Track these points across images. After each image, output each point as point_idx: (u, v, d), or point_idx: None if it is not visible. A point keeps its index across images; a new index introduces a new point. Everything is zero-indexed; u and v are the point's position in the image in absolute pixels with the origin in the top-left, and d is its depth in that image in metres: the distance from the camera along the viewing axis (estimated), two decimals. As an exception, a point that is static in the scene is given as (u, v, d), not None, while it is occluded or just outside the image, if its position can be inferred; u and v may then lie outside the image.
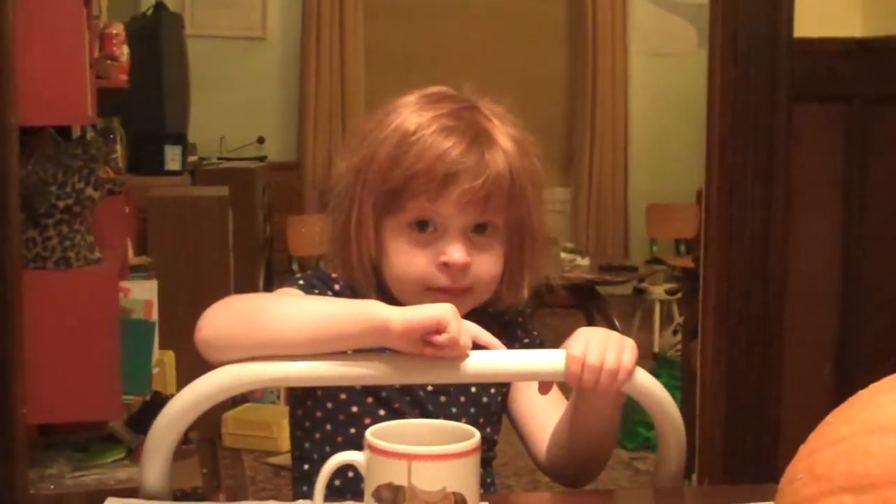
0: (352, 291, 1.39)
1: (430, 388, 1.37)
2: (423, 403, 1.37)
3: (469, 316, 1.26)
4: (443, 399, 1.38)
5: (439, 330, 1.15)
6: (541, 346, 1.43)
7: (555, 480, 1.39)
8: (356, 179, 1.35)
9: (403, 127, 1.33)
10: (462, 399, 1.39)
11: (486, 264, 1.34)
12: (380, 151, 1.33)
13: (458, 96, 1.38)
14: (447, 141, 1.31)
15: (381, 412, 1.35)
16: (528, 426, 1.42)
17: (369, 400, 1.35)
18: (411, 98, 1.37)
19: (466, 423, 1.29)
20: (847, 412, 0.90)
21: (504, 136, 1.35)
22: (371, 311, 1.17)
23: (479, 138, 1.33)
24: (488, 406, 1.41)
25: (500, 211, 1.34)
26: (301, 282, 1.39)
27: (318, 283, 1.39)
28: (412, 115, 1.34)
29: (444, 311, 1.16)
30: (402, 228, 1.33)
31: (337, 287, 1.40)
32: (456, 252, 1.31)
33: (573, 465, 1.36)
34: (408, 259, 1.33)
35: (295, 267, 5.58)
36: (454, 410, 1.38)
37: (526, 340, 1.45)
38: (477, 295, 1.35)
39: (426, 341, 1.16)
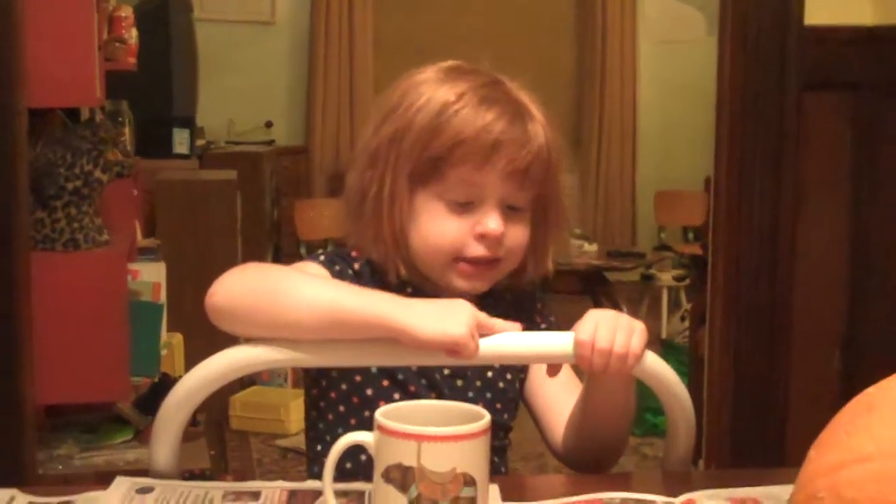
0: (371, 270, 1.38)
1: (446, 371, 1.37)
2: (440, 387, 1.36)
3: (488, 301, 1.26)
4: (459, 383, 1.38)
5: (455, 351, 1.15)
6: (554, 328, 1.44)
7: (572, 468, 1.38)
8: (389, 150, 1.33)
9: (441, 96, 1.31)
10: (478, 384, 1.39)
11: (518, 236, 1.34)
12: (417, 120, 1.31)
13: (481, 70, 1.38)
14: (491, 111, 1.30)
15: (396, 395, 1.34)
16: (546, 415, 1.41)
17: (385, 383, 1.35)
18: (431, 72, 1.36)
19: (483, 407, 1.30)
20: (870, 422, 0.85)
21: (537, 110, 1.36)
22: (383, 315, 1.15)
23: (520, 110, 1.33)
24: (505, 391, 1.41)
25: (536, 184, 1.34)
26: (322, 257, 1.38)
27: (338, 261, 1.38)
28: (445, 84, 1.33)
29: (458, 334, 1.14)
30: (439, 199, 1.32)
31: (357, 266, 1.39)
32: (493, 222, 1.31)
33: (589, 450, 1.35)
34: (443, 228, 1.32)
35: (303, 251, 5.58)
36: (470, 395, 1.37)
37: (544, 326, 1.45)
38: (504, 267, 1.36)
39: None
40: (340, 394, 1.36)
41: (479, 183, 1.31)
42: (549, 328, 1.45)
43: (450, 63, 1.38)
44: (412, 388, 1.35)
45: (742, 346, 2.36)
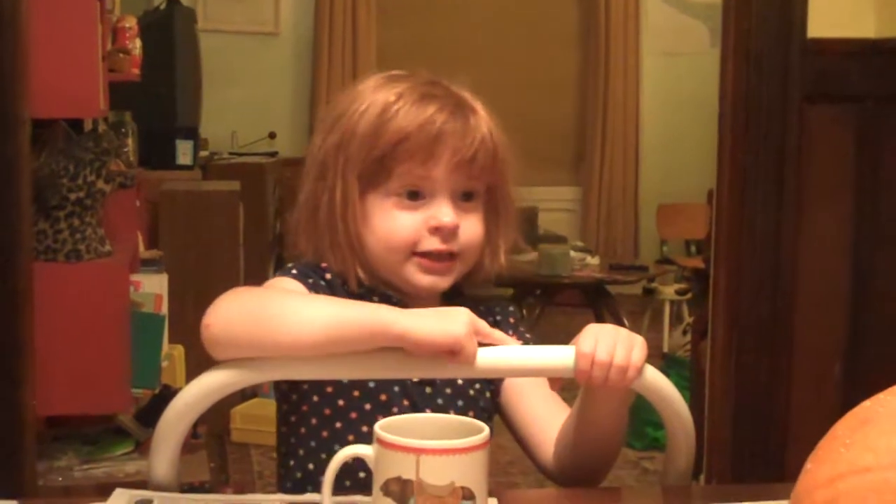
0: (343, 280, 1.38)
1: (415, 379, 1.37)
2: (411, 394, 1.37)
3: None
4: (428, 390, 1.38)
5: (454, 351, 1.15)
6: (530, 342, 1.42)
7: (561, 484, 1.38)
8: (337, 156, 1.36)
9: (382, 98, 1.35)
10: (448, 391, 1.39)
11: (473, 228, 1.37)
12: (361, 123, 1.34)
13: (420, 73, 1.41)
14: (431, 106, 1.34)
15: (367, 406, 1.34)
16: (530, 429, 1.41)
17: (355, 394, 1.34)
18: (372, 80, 1.41)
19: (455, 414, 1.30)
20: (867, 435, 0.85)
21: (479, 106, 1.39)
22: (384, 322, 1.16)
23: (460, 104, 1.36)
24: (476, 399, 1.41)
25: (483, 175, 1.37)
26: (294, 271, 1.39)
27: (311, 274, 1.39)
28: (385, 87, 1.37)
29: (460, 333, 1.15)
30: (390, 197, 1.34)
31: (328, 276, 1.39)
32: (446, 214, 1.33)
33: (582, 465, 1.35)
34: (396, 224, 1.34)
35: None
36: (440, 402, 1.38)
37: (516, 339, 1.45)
38: (464, 261, 1.37)
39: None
40: (312, 406, 1.35)
41: (427, 176, 1.33)
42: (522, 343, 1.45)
43: (390, 72, 1.42)
44: (383, 398, 1.35)
45: (743, 358, 2.36)
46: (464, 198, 1.36)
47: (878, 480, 0.81)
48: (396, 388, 1.36)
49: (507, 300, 1.50)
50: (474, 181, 1.36)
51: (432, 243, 1.34)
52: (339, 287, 1.38)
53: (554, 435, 1.37)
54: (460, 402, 1.39)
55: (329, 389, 1.35)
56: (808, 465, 0.88)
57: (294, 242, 1.43)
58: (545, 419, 1.39)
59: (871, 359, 2.36)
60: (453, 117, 1.34)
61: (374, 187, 1.35)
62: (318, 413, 1.35)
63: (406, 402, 1.36)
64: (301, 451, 1.35)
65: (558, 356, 1.22)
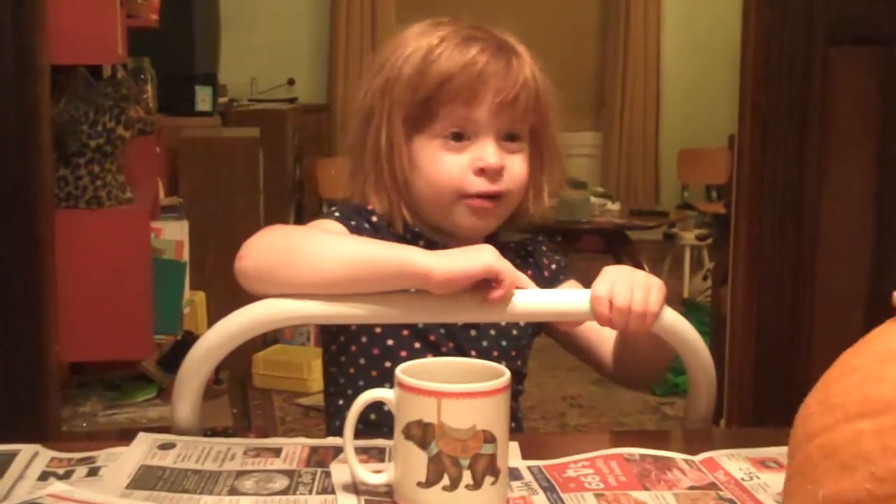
0: (389, 222, 1.39)
1: (460, 322, 1.38)
2: (456, 337, 1.38)
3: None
4: (473, 333, 1.40)
5: (488, 279, 1.16)
6: (564, 269, 1.48)
7: (622, 384, 1.49)
8: (382, 101, 1.37)
9: (426, 42, 1.36)
10: (492, 332, 1.41)
11: (518, 168, 1.38)
12: (405, 67, 1.35)
13: (465, 20, 1.42)
14: (473, 47, 1.35)
15: (417, 345, 1.36)
16: (588, 342, 1.44)
17: (405, 333, 1.36)
18: (417, 26, 1.41)
19: (498, 356, 1.33)
20: (860, 346, 0.94)
21: (524, 51, 1.40)
22: (410, 259, 1.17)
23: (503, 47, 1.37)
24: (518, 339, 1.43)
25: (527, 117, 1.38)
26: (337, 213, 1.40)
27: (354, 216, 1.40)
28: (429, 32, 1.38)
29: (489, 263, 1.15)
30: (436, 140, 1.35)
31: (374, 219, 1.41)
32: (491, 155, 1.34)
33: (640, 370, 1.41)
34: (443, 166, 1.35)
35: (325, 209, 5.59)
36: (485, 344, 1.40)
37: (553, 267, 1.48)
38: (509, 202, 1.39)
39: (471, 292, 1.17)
40: (361, 346, 1.38)
41: (470, 118, 1.34)
42: (556, 270, 1.48)
43: (434, 19, 1.42)
44: (432, 338, 1.37)
45: (764, 305, 2.35)
46: (508, 139, 1.37)
47: (862, 376, 0.88)
48: (443, 331, 1.37)
49: (535, 235, 1.51)
50: (518, 123, 1.37)
51: (479, 184, 1.35)
52: (385, 229, 1.39)
53: (609, 344, 1.41)
54: (504, 343, 1.41)
55: (378, 330, 1.37)
56: (814, 409, 0.94)
57: (346, 186, 1.45)
58: (597, 332, 1.40)
59: (892, 306, 2.34)
60: (495, 58, 1.35)
61: (420, 130, 1.36)
62: (367, 353, 1.38)
63: (452, 345, 1.37)
64: (350, 391, 1.38)
65: (575, 301, 1.22)
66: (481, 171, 1.34)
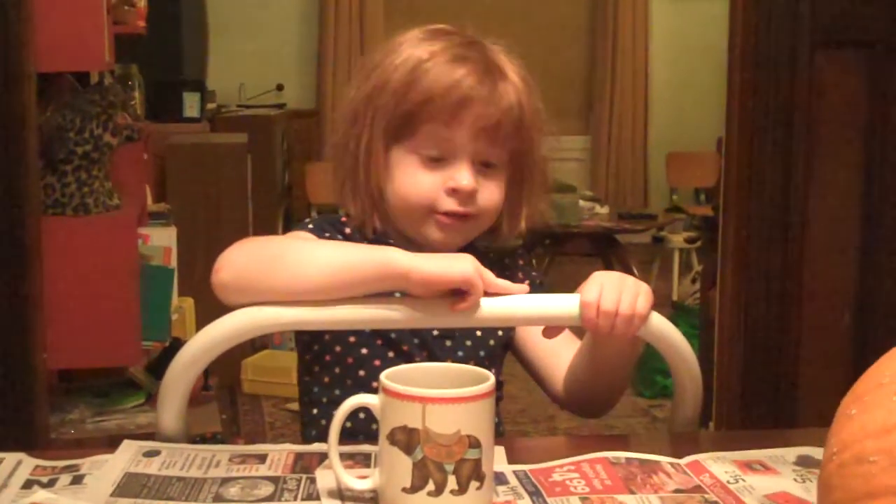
0: (361, 235, 1.40)
1: (435, 332, 1.39)
2: (431, 347, 1.39)
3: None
4: (448, 343, 1.40)
5: (460, 290, 1.17)
6: (540, 287, 1.46)
7: (572, 412, 1.44)
8: (367, 106, 1.37)
9: (416, 55, 1.35)
10: (468, 343, 1.41)
11: (491, 193, 1.37)
12: (393, 77, 1.35)
13: (462, 32, 1.41)
14: (461, 68, 1.34)
15: (391, 354, 1.36)
16: (543, 362, 1.44)
17: (378, 342, 1.37)
18: (415, 32, 1.40)
19: (474, 365, 1.31)
20: None
21: (512, 71, 1.39)
22: (390, 259, 1.18)
23: (491, 69, 1.36)
24: (494, 349, 1.43)
25: (507, 143, 1.37)
26: (310, 226, 1.41)
27: (328, 227, 1.41)
28: (423, 44, 1.37)
29: (466, 272, 1.16)
30: (413, 154, 1.36)
31: (347, 230, 1.42)
32: (465, 178, 1.34)
33: (592, 398, 1.40)
34: (416, 182, 1.35)
35: (314, 214, 5.59)
36: (461, 354, 1.40)
37: (527, 283, 1.46)
38: (479, 223, 1.39)
39: (447, 297, 1.18)
40: (335, 355, 1.38)
41: (449, 138, 1.34)
42: (533, 287, 1.46)
43: (436, 26, 1.42)
44: (405, 348, 1.37)
45: (753, 307, 2.36)
46: (485, 165, 1.37)
47: None
48: (416, 341, 1.38)
49: (516, 247, 1.51)
50: (497, 148, 1.37)
51: (449, 204, 1.35)
52: (358, 241, 1.39)
53: (564, 368, 1.41)
54: (482, 353, 1.41)
55: (352, 339, 1.37)
56: (852, 411, 0.83)
57: (332, 188, 1.45)
58: (555, 353, 1.42)
59: (880, 308, 2.35)
60: (481, 83, 1.34)
61: (399, 141, 1.36)
62: (341, 362, 1.37)
63: (426, 354, 1.37)
64: (325, 399, 1.38)
65: (564, 305, 1.22)
66: (453, 192, 1.35)
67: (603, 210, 5.74)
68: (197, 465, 1.12)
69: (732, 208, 2.38)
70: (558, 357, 1.41)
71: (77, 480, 1.08)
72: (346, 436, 1.21)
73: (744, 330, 2.37)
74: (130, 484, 1.06)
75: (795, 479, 1.10)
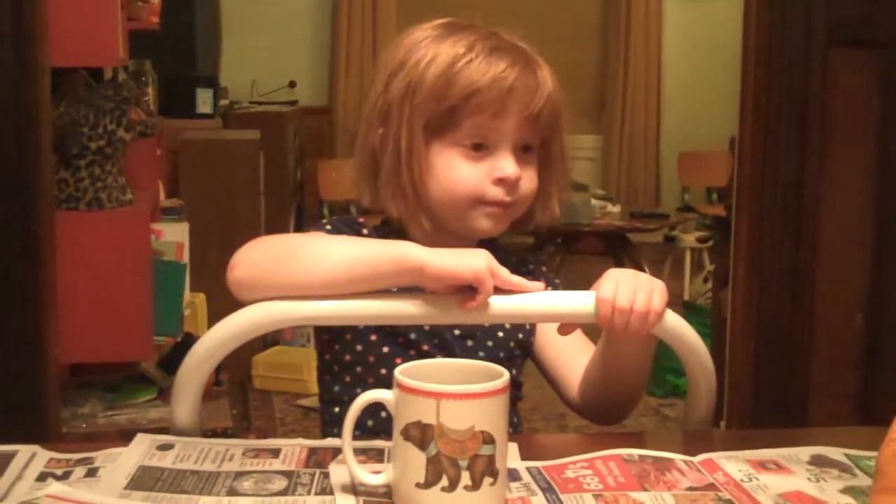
0: (379, 235, 1.40)
1: (457, 332, 1.39)
2: (451, 347, 1.38)
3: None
4: (469, 343, 1.40)
5: (472, 286, 1.17)
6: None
7: (588, 419, 1.43)
8: (402, 104, 1.35)
9: (451, 50, 1.35)
10: (490, 343, 1.41)
11: (531, 179, 1.39)
12: (428, 74, 1.34)
13: (477, 25, 1.41)
14: (503, 60, 1.34)
15: (412, 352, 1.36)
16: (559, 369, 1.44)
17: (399, 340, 1.37)
18: (429, 29, 1.39)
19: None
20: None
21: (542, 61, 1.39)
22: (405, 253, 1.18)
23: (528, 59, 1.37)
24: (514, 349, 1.43)
25: (546, 129, 1.39)
26: (328, 227, 1.41)
27: (345, 228, 1.41)
28: (450, 39, 1.36)
29: (478, 269, 1.16)
30: (455, 147, 1.35)
31: (364, 231, 1.42)
32: (510, 167, 1.35)
33: (607, 403, 1.39)
34: (461, 174, 1.35)
35: (325, 211, 5.59)
36: (481, 354, 1.39)
37: (549, 288, 1.46)
38: (518, 209, 1.39)
39: (459, 292, 1.18)
40: (356, 355, 1.38)
41: (495, 129, 1.35)
42: (550, 286, 1.46)
43: (445, 20, 1.41)
44: (425, 348, 1.37)
45: (765, 307, 2.35)
46: (523, 150, 1.38)
47: None
48: (437, 341, 1.38)
49: (535, 251, 1.52)
50: (536, 135, 1.38)
51: (497, 193, 1.35)
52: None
53: (580, 373, 1.41)
54: (501, 354, 1.41)
55: (373, 338, 1.37)
56: None
57: (354, 189, 1.44)
58: (571, 357, 1.42)
59: (892, 308, 2.34)
60: (524, 73, 1.34)
61: (440, 137, 1.36)
62: (362, 361, 1.38)
63: (447, 354, 1.37)
64: (346, 398, 1.37)
65: (579, 302, 1.22)
66: (500, 181, 1.35)
67: (615, 209, 5.74)
68: (211, 458, 1.12)
69: (745, 208, 2.38)
70: (575, 362, 1.42)
71: (91, 473, 1.08)
72: (368, 434, 1.21)
73: (756, 329, 2.37)
74: (144, 477, 1.07)
75: (809, 479, 1.10)
